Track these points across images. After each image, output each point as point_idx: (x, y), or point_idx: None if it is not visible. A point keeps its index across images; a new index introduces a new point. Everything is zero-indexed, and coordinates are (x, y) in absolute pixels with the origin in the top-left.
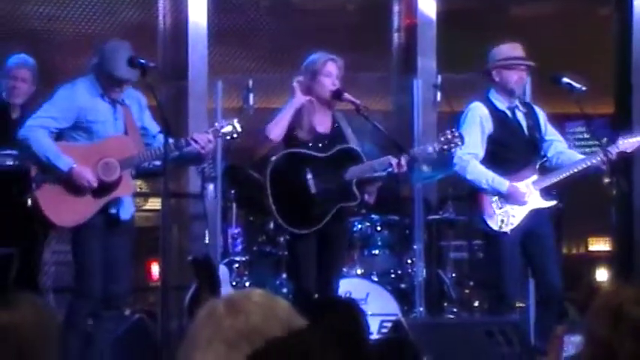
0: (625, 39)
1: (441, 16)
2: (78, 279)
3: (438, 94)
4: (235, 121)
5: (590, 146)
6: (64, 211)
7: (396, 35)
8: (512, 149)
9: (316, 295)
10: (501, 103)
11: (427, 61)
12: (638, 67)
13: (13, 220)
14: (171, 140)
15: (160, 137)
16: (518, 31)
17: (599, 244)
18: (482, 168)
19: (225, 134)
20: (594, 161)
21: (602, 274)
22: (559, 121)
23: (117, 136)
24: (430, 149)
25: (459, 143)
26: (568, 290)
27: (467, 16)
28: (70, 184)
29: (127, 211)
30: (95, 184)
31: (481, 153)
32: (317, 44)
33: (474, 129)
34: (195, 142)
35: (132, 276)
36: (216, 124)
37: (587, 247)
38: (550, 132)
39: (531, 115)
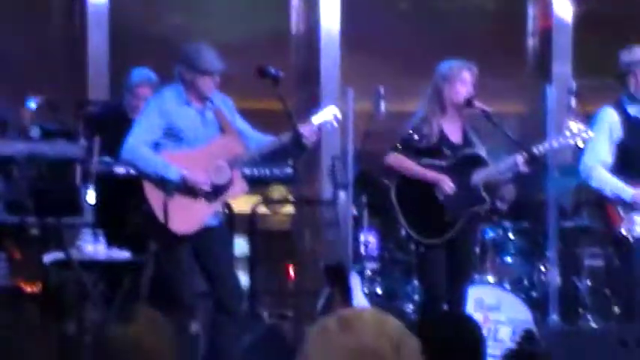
0: None
1: (578, 19)
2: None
3: (573, 100)
4: (333, 106)
5: None
6: (181, 218)
7: (530, 40)
8: None
9: (444, 306)
10: (633, 108)
11: (562, 66)
12: None
13: (132, 231)
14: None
15: (258, 136)
16: None
17: None
18: (606, 175)
19: (326, 122)
20: None
21: None
22: None
23: (219, 137)
24: (555, 143)
25: (586, 136)
26: None
27: (605, 20)
28: (184, 192)
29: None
30: (208, 187)
31: (608, 159)
32: (450, 50)
33: (601, 135)
34: (300, 134)
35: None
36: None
37: None
38: None
39: None
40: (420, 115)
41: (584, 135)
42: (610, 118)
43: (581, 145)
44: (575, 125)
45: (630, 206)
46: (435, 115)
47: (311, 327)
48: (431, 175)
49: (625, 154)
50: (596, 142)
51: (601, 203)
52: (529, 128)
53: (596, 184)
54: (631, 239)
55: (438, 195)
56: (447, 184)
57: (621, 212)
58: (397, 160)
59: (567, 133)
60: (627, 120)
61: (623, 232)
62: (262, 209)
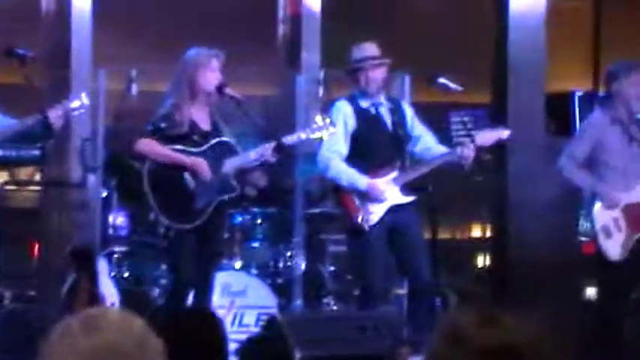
0: (502, 30)
1: (327, 8)
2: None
3: (321, 89)
4: (83, 94)
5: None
6: None
7: (280, 27)
8: (374, 146)
9: (191, 291)
10: (364, 101)
11: (311, 56)
12: (514, 58)
13: None
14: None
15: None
16: (403, 23)
17: (481, 230)
18: (342, 165)
19: (74, 109)
20: (453, 157)
21: (481, 261)
22: (445, 110)
23: None
24: (303, 136)
25: (332, 130)
26: (451, 276)
27: (352, 9)
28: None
29: None
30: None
31: (344, 150)
32: (202, 33)
33: (337, 127)
34: (46, 117)
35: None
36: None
37: (469, 232)
38: (418, 127)
39: (397, 112)
40: (170, 102)
41: (330, 129)
42: (343, 109)
43: (326, 138)
44: (321, 118)
45: (366, 195)
46: (184, 102)
47: (53, 329)
48: (188, 159)
49: (358, 143)
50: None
51: (338, 193)
52: (279, 114)
53: (333, 175)
54: (366, 228)
55: (189, 182)
56: (204, 169)
57: (357, 202)
58: (148, 145)
59: (314, 126)
60: (358, 110)
61: (359, 221)
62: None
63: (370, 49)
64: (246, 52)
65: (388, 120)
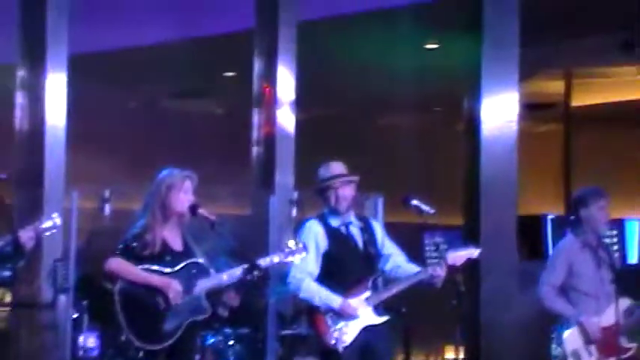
0: (474, 154)
1: (301, 130)
2: None
3: (294, 210)
4: (56, 215)
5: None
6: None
7: (254, 148)
8: (346, 265)
9: None
10: (335, 220)
11: (285, 176)
12: (486, 182)
13: None
14: None
15: None
16: (378, 146)
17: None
18: (315, 285)
19: (45, 229)
20: (424, 276)
21: None
22: (418, 231)
23: None
24: (276, 259)
25: (304, 254)
26: None
27: (327, 131)
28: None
29: None
30: None
31: (315, 271)
32: (177, 152)
33: (308, 247)
34: (17, 238)
35: None
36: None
37: (443, 355)
38: (388, 245)
39: (367, 230)
40: (142, 222)
41: (302, 253)
42: (315, 229)
43: (297, 262)
44: (294, 243)
45: (339, 315)
46: (156, 222)
47: None
48: (159, 280)
49: (330, 263)
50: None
51: (311, 314)
52: (252, 235)
53: (305, 296)
54: (340, 349)
55: (159, 302)
56: (174, 291)
57: (330, 322)
58: (119, 264)
59: (287, 250)
60: (329, 230)
61: (333, 342)
62: None
63: (338, 167)
64: (219, 172)
65: (359, 239)
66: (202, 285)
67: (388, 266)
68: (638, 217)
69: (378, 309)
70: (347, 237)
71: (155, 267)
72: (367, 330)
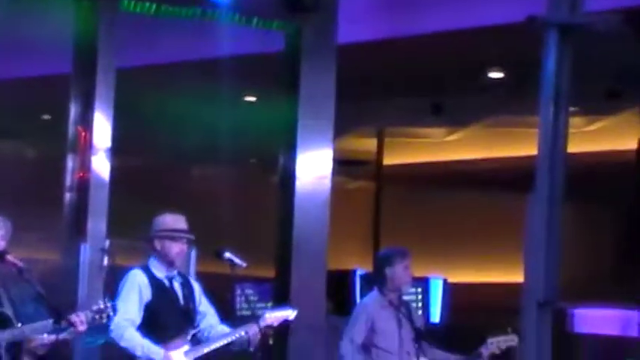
0: (287, 207)
1: (115, 177)
2: None
3: (105, 259)
4: None
5: (258, 308)
6: None
7: (67, 194)
8: (168, 317)
9: None
10: (160, 272)
11: (97, 224)
12: (298, 235)
13: None
14: None
15: None
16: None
17: None
18: (137, 335)
19: None
20: (237, 336)
21: None
22: (230, 282)
23: None
24: (84, 317)
25: (111, 313)
26: None
27: (142, 180)
28: None
29: None
30: None
31: (138, 320)
32: None
33: (132, 296)
34: None
35: None
36: None
37: None
38: (204, 304)
39: (187, 286)
40: None
41: (110, 312)
42: (139, 279)
43: (105, 320)
44: (102, 302)
45: None
46: None
47: None
48: None
49: (152, 314)
50: (125, 302)
51: None
52: (61, 281)
53: (127, 344)
54: None
55: None
56: None
57: None
58: None
59: (95, 307)
60: (154, 281)
61: None
62: None
63: (181, 221)
64: (30, 217)
65: (180, 293)
66: (3, 336)
67: (203, 324)
68: (442, 276)
69: None
70: (169, 290)
71: None
72: None
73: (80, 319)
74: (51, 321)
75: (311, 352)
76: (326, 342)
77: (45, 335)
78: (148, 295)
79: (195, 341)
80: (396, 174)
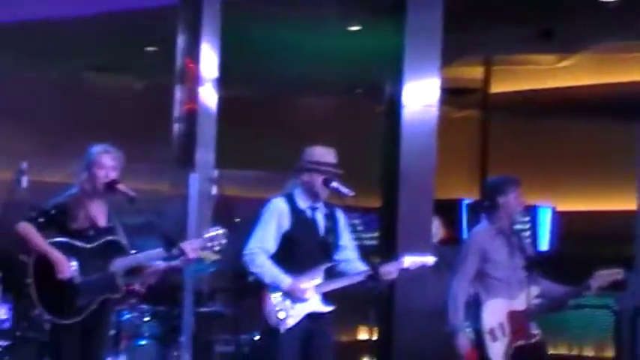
0: (394, 136)
1: (222, 107)
2: None
3: (214, 188)
4: None
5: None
6: None
7: (176, 125)
8: (304, 248)
9: None
10: (303, 202)
11: (205, 154)
12: (405, 165)
13: None
14: None
15: None
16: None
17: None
18: (268, 263)
19: None
20: (365, 277)
21: None
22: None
23: None
24: (196, 244)
25: (223, 242)
26: None
27: (250, 110)
28: None
29: None
30: None
31: (272, 248)
32: (94, 130)
33: (269, 224)
34: None
35: None
36: None
37: (356, 335)
38: (345, 237)
39: (331, 218)
40: (69, 193)
41: (222, 241)
42: (280, 207)
43: (217, 249)
44: (214, 232)
45: (286, 296)
46: (81, 197)
47: None
48: (53, 254)
49: (289, 243)
50: (262, 230)
51: (258, 290)
52: (171, 212)
53: (256, 270)
54: (282, 330)
55: (74, 277)
56: (65, 269)
57: (275, 301)
58: (26, 230)
59: (207, 237)
60: (295, 211)
61: (276, 320)
62: None
63: (328, 155)
64: (140, 148)
65: (321, 225)
66: (118, 264)
67: (339, 257)
68: (550, 205)
69: (326, 298)
70: (310, 221)
71: (77, 242)
72: (312, 318)
73: (192, 247)
74: (163, 249)
75: (418, 281)
76: (433, 271)
77: (157, 262)
78: (286, 224)
79: (330, 275)
80: (504, 102)
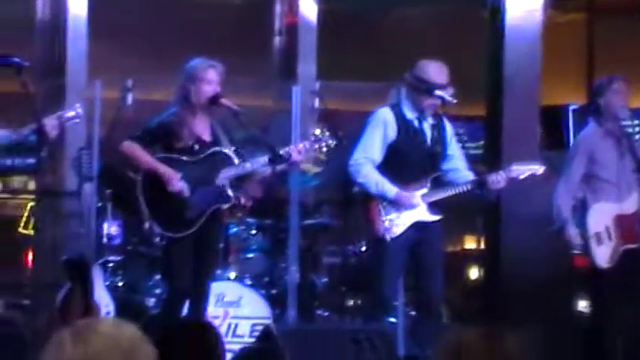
0: (497, 43)
1: (323, 20)
2: None
3: (317, 101)
4: (78, 105)
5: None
6: None
7: (277, 38)
8: (411, 158)
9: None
10: (411, 113)
11: (307, 67)
12: (509, 72)
13: None
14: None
15: None
16: (399, 35)
17: (475, 243)
18: (374, 172)
19: (69, 118)
20: (473, 186)
21: (473, 273)
22: None
23: None
24: (301, 146)
25: (331, 144)
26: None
27: (346, 21)
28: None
29: None
30: None
31: (378, 158)
32: (197, 42)
33: (375, 133)
34: (42, 126)
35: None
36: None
37: (463, 245)
38: (453, 147)
39: (439, 128)
40: (172, 111)
41: (329, 142)
42: (386, 117)
43: (324, 150)
44: (319, 130)
45: (392, 205)
46: (184, 113)
47: (48, 340)
48: (161, 168)
49: (395, 153)
50: (368, 140)
51: (364, 201)
52: (274, 125)
53: (362, 180)
54: (388, 239)
55: (184, 191)
56: (174, 182)
57: (382, 211)
58: (130, 148)
59: (312, 138)
60: (402, 120)
61: (382, 230)
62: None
63: (441, 75)
64: (241, 63)
65: (429, 135)
66: (225, 173)
67: (447, 167)
68: None
69: (432, 208)
70: (417, 131)
71: (171, 155)
72: (418, 228)
73: (297, 149)
74: (268, 156)
75: (525, 189)
76: (541, 179)
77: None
78: (392, 134)
79: (437, 185)
80: (610, 5)
